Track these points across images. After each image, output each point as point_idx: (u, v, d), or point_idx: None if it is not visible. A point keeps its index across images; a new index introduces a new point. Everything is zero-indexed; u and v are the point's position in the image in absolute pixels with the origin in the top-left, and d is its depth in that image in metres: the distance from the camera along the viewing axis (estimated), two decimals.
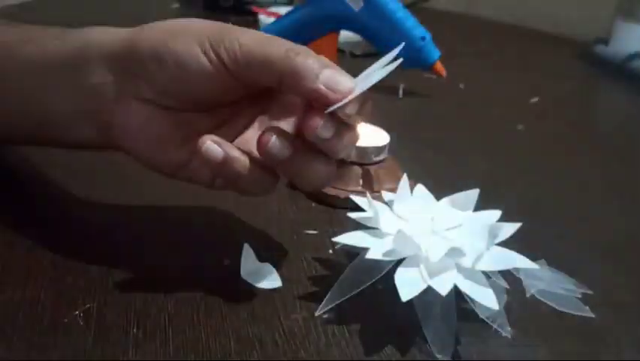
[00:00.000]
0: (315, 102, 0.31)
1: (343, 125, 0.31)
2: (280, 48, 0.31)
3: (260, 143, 0.31)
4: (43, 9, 0.92)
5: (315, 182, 0.33)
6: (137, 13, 0.94)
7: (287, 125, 0.35)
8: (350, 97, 0.30)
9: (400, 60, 0.31)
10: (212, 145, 0.31)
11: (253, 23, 0.90)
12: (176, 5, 1.01)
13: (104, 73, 0.34)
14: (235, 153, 0.32)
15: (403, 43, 0.33)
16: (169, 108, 0.34)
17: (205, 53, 0.31)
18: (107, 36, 0.34)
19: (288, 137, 0.32)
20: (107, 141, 0.35)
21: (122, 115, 0.34)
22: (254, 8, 0.92)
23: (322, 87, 0.30)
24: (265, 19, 0.87)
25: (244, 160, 0.32)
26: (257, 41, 0.31)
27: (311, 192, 0.44)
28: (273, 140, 0.31)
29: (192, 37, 0.32)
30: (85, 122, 0.35)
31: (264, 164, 0.33)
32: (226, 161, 0.31)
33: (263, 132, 0.32)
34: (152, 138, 0.34)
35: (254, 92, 0.34)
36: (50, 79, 0.35)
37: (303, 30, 0.68)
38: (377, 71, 0.31)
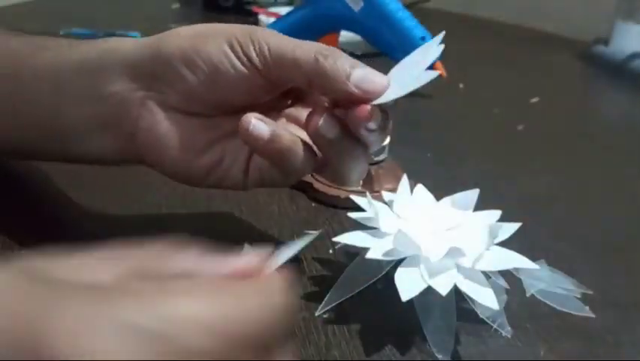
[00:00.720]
0: (349, 102, 0.31)
1: (385, 116, 0.31)
2: (309, 51, 0.31)
3: (310, 121, 0.31)
4: (44, 9, 0.92)
5: (354, 172, 0.33)
6: (137, 13, 0.94)
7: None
8: (388, 97, 0.29)
9: (437, 54, 0.31)
10: (258, 123, 0.31)
11: (253, 24, 0.90)
12: (176, 6, 1.01)
13: (124, 81, 0.33)
14: (281, 130, 0.31)
15: (443, 33, 0.33)
16: (195, 114, 0.33)
17: (236, 54, 0.31)
18: (127, 44, 0.34)
19: (335, 117, 0.31)
20: (129, 153, 0.34)
21: (145, 124, 0.33)
22: (254, 8, 0.92)
23: (354, 89, 0.30)
24: (265, 19, 0.87)
25: (290, 136, 0.31)
26: (286, 43, 0.31)
27: (343, 185, 0.42)
28: (324, 117, 0.31)
29: (222, 39, 0.32)
30: (106, 132, 0.34)
31: (307, 144, 0.32)
32: (273, 138, 0.31)
33: (312, 111, 0.31)
34: (178, 146, 0.33)
35: (280, 92, 0.34)
36: (66, 86, 0.34)
37: (303, 30, 0.68)
38: (414, 65, 0.31)
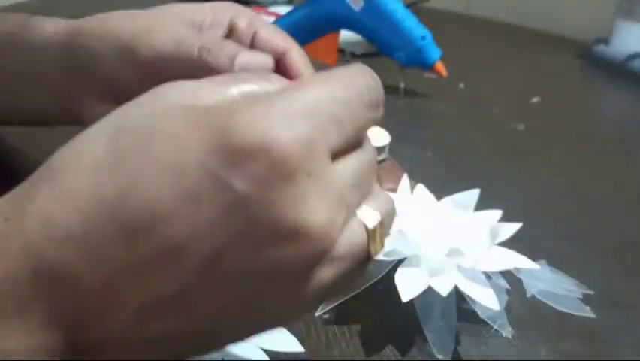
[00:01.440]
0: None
1: None
2: (192, 49, 0.32)
3: None
4: (44, 9, 0.92)
5: None
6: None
7: None
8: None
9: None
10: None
11: None
12: None
13: (57, 79, 0.35)
14: None
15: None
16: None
17: (123, 57, 0.33)
18: (49, 41, 0.36)
19: None
20: None
21: (89, 115, 0.35)
22: (253, 8, 0.92)
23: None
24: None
25: None
26: (172, 42, 0.32)
27: None
28: None
29: (114, 40, 0.34)
30: (67, 117, 0.37)
31: None
32: None
33: None
34: None
35: None
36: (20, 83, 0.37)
37: (302, 30, 0.68)
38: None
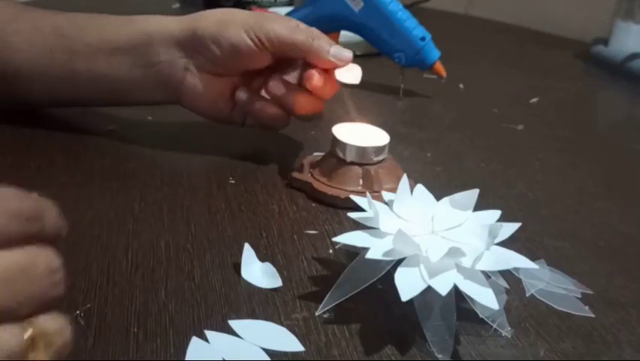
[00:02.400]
0: (325, 68, 0.46)
1: (328, 79, 0.46)
2: (303, 35, 0.45)
3: (266, 87, 0.48)
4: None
5: (303, 110, 0.48)
6: (137, 13, 0.93)
7: (290, 78, 0.49)
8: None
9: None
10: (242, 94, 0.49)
11: None
12: (176, 5, 1.00)
13: (172, 52, 0.47)
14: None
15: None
16: (219, 74, 0.48)
17: (250, 38, 0.45)
18: (170, 25, 0.47)
19: (281, 80, 0.48)
20: (173, 100, 0.49)
21: (189, 82, 0.48)
22: (254, 8, 0.92)
23: (332, 59, 0.45)
24: None
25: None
26: (286, 29, 0.45)
27: (303, 118, 0.51)
28: (271, 84, 0.48)
29: (240, 26, 0.45)
30: (156, 87, 0.48)
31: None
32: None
33: (268, 81, 0.48)
34: (210, 96, 0.48)
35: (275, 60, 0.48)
36: (120, 59, 0.47)
37: None
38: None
